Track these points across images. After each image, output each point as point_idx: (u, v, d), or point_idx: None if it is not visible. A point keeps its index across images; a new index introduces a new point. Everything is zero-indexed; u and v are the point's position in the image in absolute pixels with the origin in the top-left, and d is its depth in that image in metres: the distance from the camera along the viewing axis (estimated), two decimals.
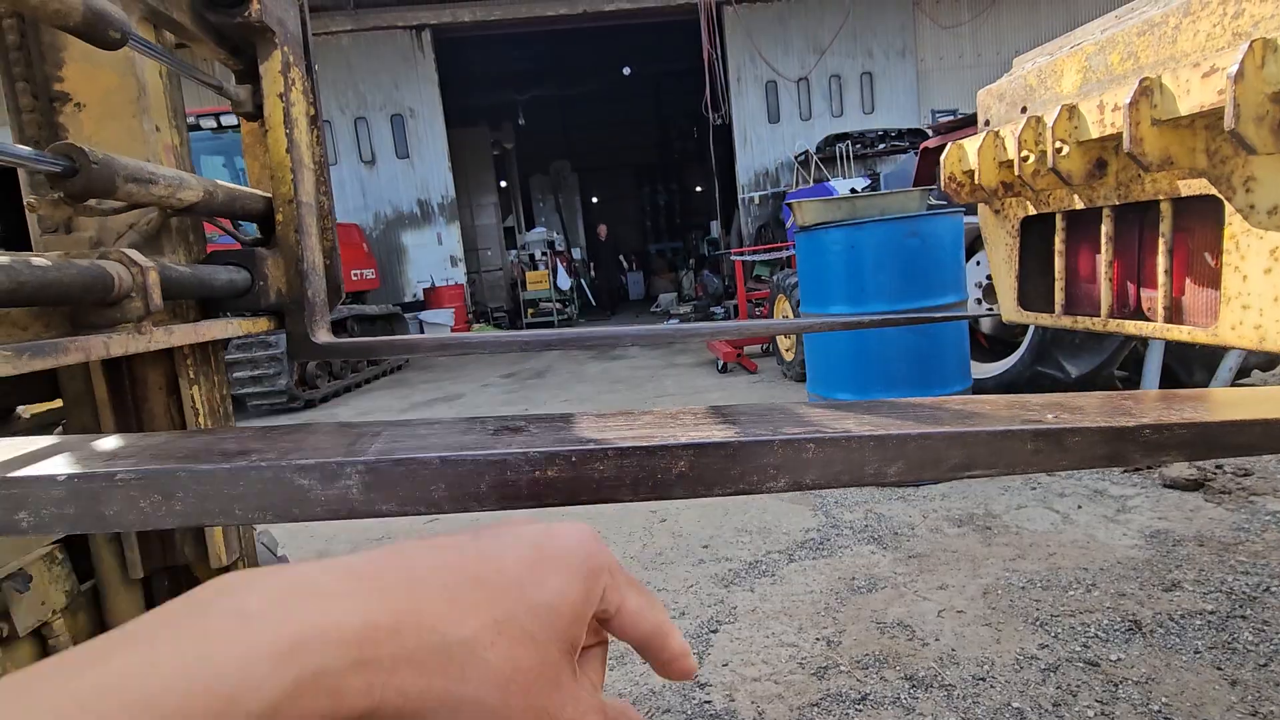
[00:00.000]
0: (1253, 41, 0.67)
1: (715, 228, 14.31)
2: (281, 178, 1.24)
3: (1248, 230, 0.82)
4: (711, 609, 1.84)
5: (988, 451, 0.47)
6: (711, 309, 9.21)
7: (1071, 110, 0.98)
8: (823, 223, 2.59)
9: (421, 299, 10.58)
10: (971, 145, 1.22)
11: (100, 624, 1.13)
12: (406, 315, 9.33)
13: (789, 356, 4.62)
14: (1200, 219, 0.92)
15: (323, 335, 1.29)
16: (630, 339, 1.42)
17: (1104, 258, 1.06)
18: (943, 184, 1.29)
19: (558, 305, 11.33)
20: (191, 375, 1.16)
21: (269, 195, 1.25)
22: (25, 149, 0.78)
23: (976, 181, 1.20)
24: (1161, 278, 0.96)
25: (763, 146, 10.23)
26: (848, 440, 0.47)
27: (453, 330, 9.86)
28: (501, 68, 13.64)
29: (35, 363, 0.72)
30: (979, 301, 3.16)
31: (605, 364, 6.75)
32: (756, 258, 6.55)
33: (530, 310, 11.44)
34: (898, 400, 0.57)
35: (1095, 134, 0.95)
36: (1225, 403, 0.62)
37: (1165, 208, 0.95)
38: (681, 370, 5.88)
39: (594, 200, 20.60)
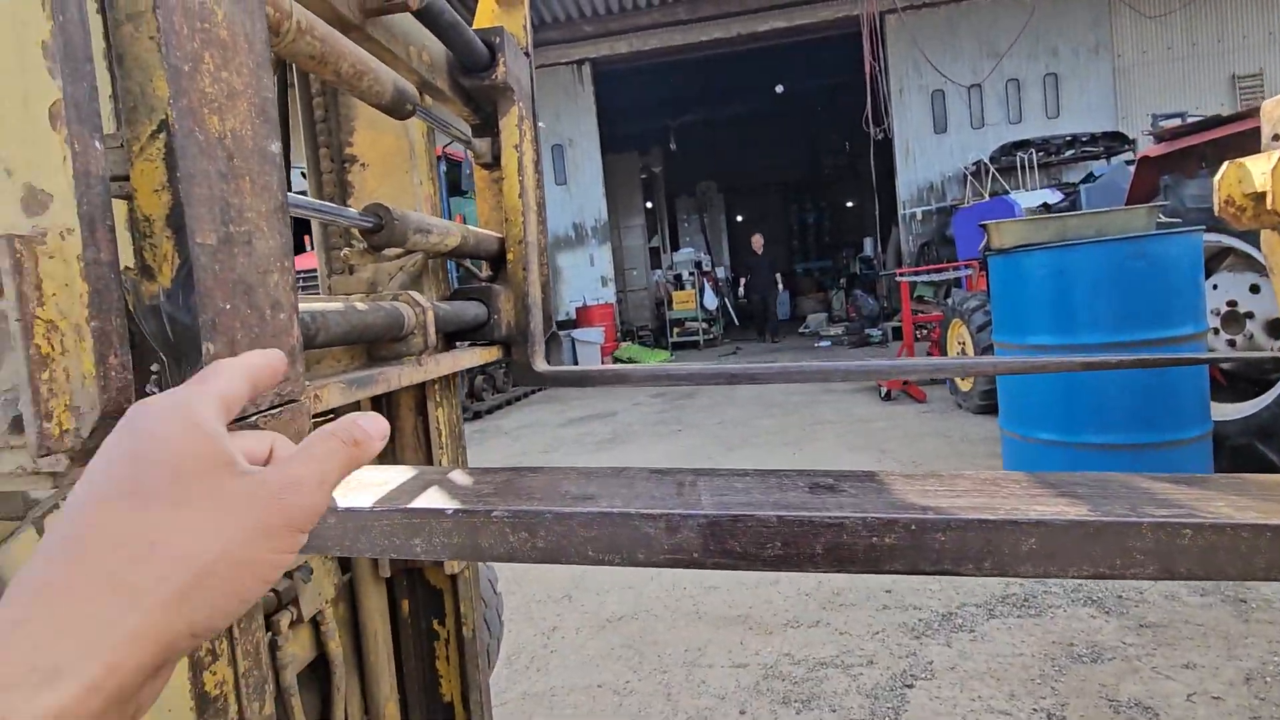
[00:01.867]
0: None
1: (870, 245, 13.68)
2: (514, 220, 1.36)
3: None
4: (903, 661, 1.72)
5: None
6: (866, 331, 8.78)
7: None
8: (1024, 245, 2.37)
9: (573, 318, 11.12)
10: (1259, 165, 1.05)
11: (355, 616, 1.28)
12: (561, 334, 9.86)
13: (966, 386, 4.27)
14: None
15: (540, 364, 1.39)
16: (841, 373, 1.38)
17: None
18: (1218, 208, 1.12)
19: (704, 325, 11.39)
20: (438, 399, 1.29)
21: (501, 236, 1.38)
22: (350, 210, 0.92)
23: (1269, 206, 1.03)
24: None
25: (927, 159, 9.63)
26: (1234, 529, 0.41)
27: (601, 348, 10.25)
28: (653, 94, 14.10)
29: (359, 392, 0.84)
30: (1216, 332, 2.71)
31: (756, 387, 6.64)
32: (923, 278, 6.15)
33: (676, 329, 11.60)
34: (1266, 476, 0.50)
35: None
36: None
37: None
38: (838, 396, 5.64)
39: (739, 219, 20.56)
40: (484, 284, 1.34)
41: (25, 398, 0.39)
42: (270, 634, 1.04)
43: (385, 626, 1.31)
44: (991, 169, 7.64)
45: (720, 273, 14.05)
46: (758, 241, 11.49)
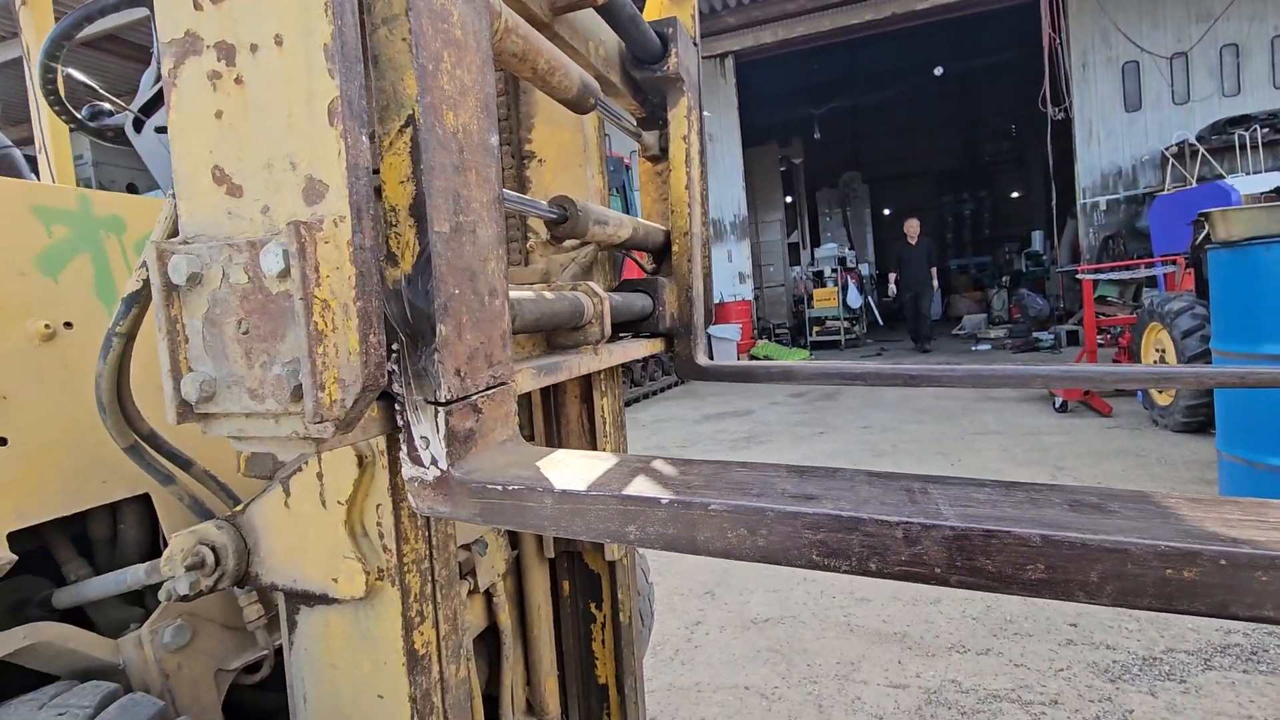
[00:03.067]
0: None
1: (1039, 239, 12.36)
2: (679, 212, 1.35)
3: None
4: (1096, 705, 1.52)
5: None
6: (1034, 334, 7.92)
7: None
8: (1262, 236, 2.00)
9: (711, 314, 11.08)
10: None
11: (521, 592, 1.34)
12: None
13: (1164, 400, 3.72)
14: None
15: (703, 357, 1.37)
16: (1042, 379, 1.24)
17: None
18: None
19: (845, 324, 10.89)
20: (603, 389, 1.32)
21: (665, 229, 1.38)
22: (540, 202, 0.95)
23: None
24: None
25: (1114, 141, 8.48)
26: None
27: (739, 345, 10.14)
28: (795, 83, 13.67)
29: (547, 379, 0.86)
30: None
31: (905, 390, 6.24)
32: (1113, 275, 5.44)
33: (816, 328, 11.20)
34: None
35: None
36: None
37: None
38: (1002, 404, 5.15)
39: (886, 212, 19.42)
40: (651, 276, 1.35)
41: (305, 369, 0.43)
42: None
43: (548, 604, 1.36)
44: (1201, 150, 6.57)
45: (864, 269, 13.35)
46: (912, 228, 9.69)
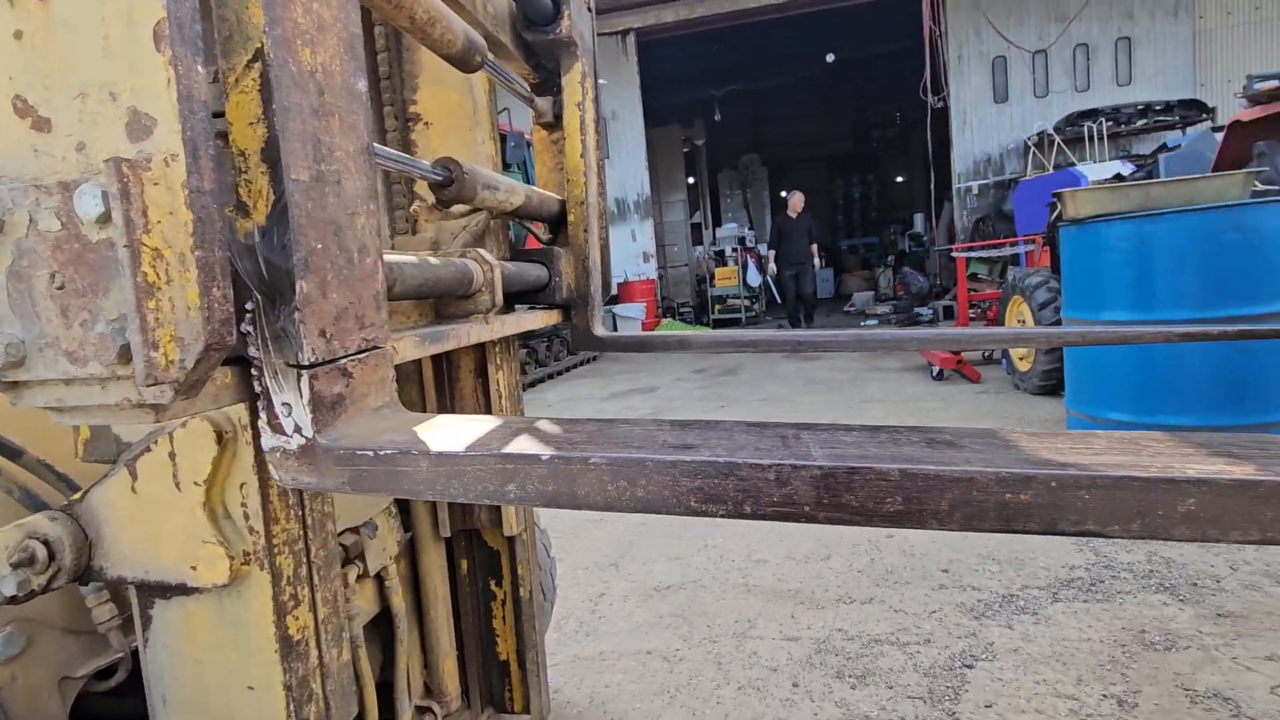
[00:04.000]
0: None
1: (920, 221, 13.24)
2: (575, 181, 1.33)
3: None
4: (962, 641, 1.68)
5: None
6: (916, 310, 8.53)
7: None
8: (1102, 215, 2.24)
9: (615, 294, 11.12)
10: None
11: (415, 574, 1.30)
12: (604, 309, 9.84)
13: (1024, 366, 4.11)
14: None
15: (600, 328, 1.37)
16: (917, 341, 1.33)
17: None
18: None
19: (745, 302, 11.24)
20: (498, 362, 1.28)
21: (561, 198, 1.35)
22: (423, 162, 0.90)
23: None
24: None
25: (985, 130, 9.21)
26: None
27: (643, 324, 10.23)
28: (697, 64, 13.80)
29: (432, 347, 0.83)
30: None
31: (800, 363, 6.55)
32: (982, 253, 5.92)
33: (718, 306, 11.49)
34: None
35: None
36: None
37: None
38: (886, 375, 5.51)
39: (783, 194, 20.12)
40: (546, 245, 1.32)
41: (133, 326, 0.39)
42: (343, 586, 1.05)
43: (445, 585, 1.32)
44: (1056, 140, 7.25)
45: (763, 249, 13.81)
46: (796, 201, 9.05)
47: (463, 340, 0.90)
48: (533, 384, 6.88)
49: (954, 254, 5.46)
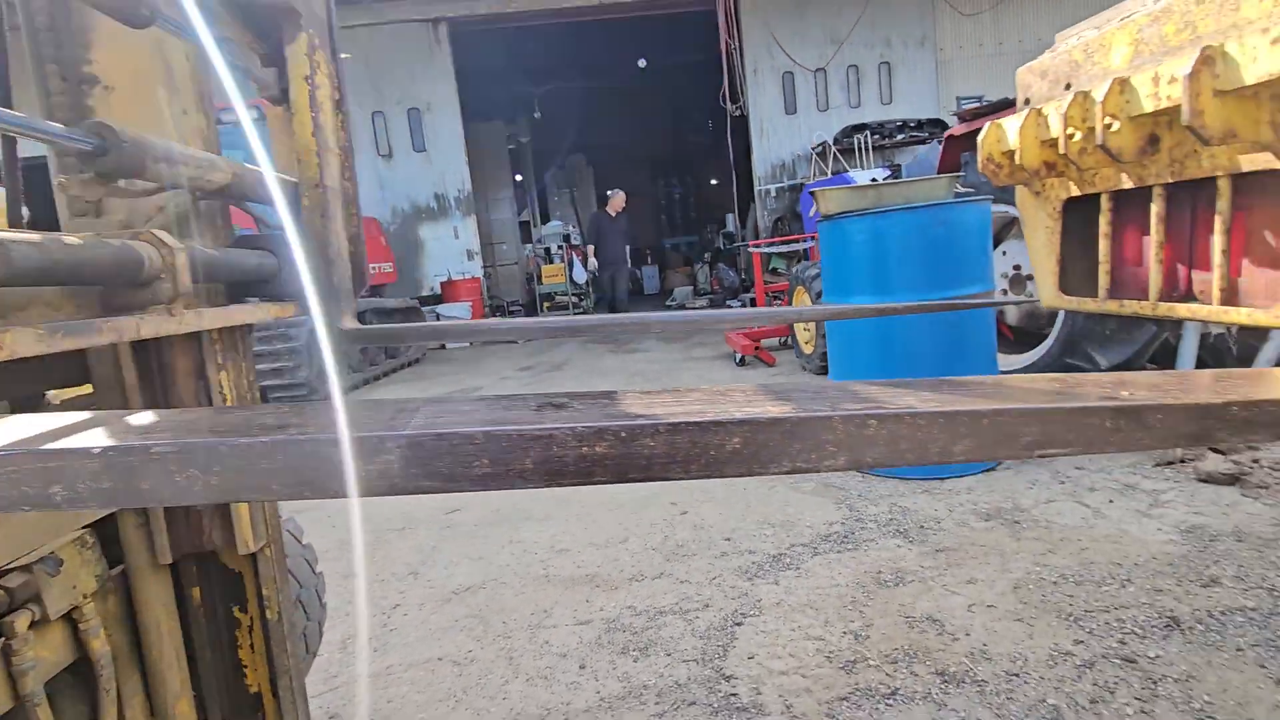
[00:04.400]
0: None
1: (731, 221, 14.22)
2: (307, 162, 1.23)
3: None
4: (735, 601, 1.82)
5: (1065, 429, 0.45)
6: (728, 302, 9.15)
7: (1123, 84, 0.94)
8: (847, 212, 2.55)
9: (438, 293, 10.63)
10: (1012, 124, 1.18)
11: (130, 609, 1.13)
12: (424, 309, 9.39)
13: (808, 350, 4.57)
14: (1262, 195, 0.88)
15: (348, 322, 1.28)
16: (658, 324, 1.40)
17: (1154, 239, 1.02)
18: (980, 165, 1.25)
19: (574, 299, 11.33)
20: (219, 360, 1.15)
21: (295, 180, 1.24)
22: (55, 126, 0.77)
23: (1017, 162, 1.16)
24: (1217, 258, 0.92)
25: (779, 138, 10.12)
26: (913, 417, 0.44)
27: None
28: (519, 61, 13.62)
29: (67, 341, 0.71)
30: (1005, 292, 3.09)
31: (623, 357, 6.73)
32: (774, 249, 6.49)
33: (547, 304, 11.46)
34: (958, 378, 0.54)
35: (1149, 108, 0.91)
36: None
37: (1223, 184, 0.91)
38: (699, 363, 5.85)
39: (609, 193, 20.55)
40: (273, 232, 1.21)
41: None
42: (2, 639, 0.89)
43: (172, 618, 1.16)
44: (834, 149, 8.17)
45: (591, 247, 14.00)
46: (617, 202, 8.94)
47: (124, 334, 0.78)
48: (344, 392, 6.36)
49: (750, 249, 5.92)
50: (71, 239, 0.75)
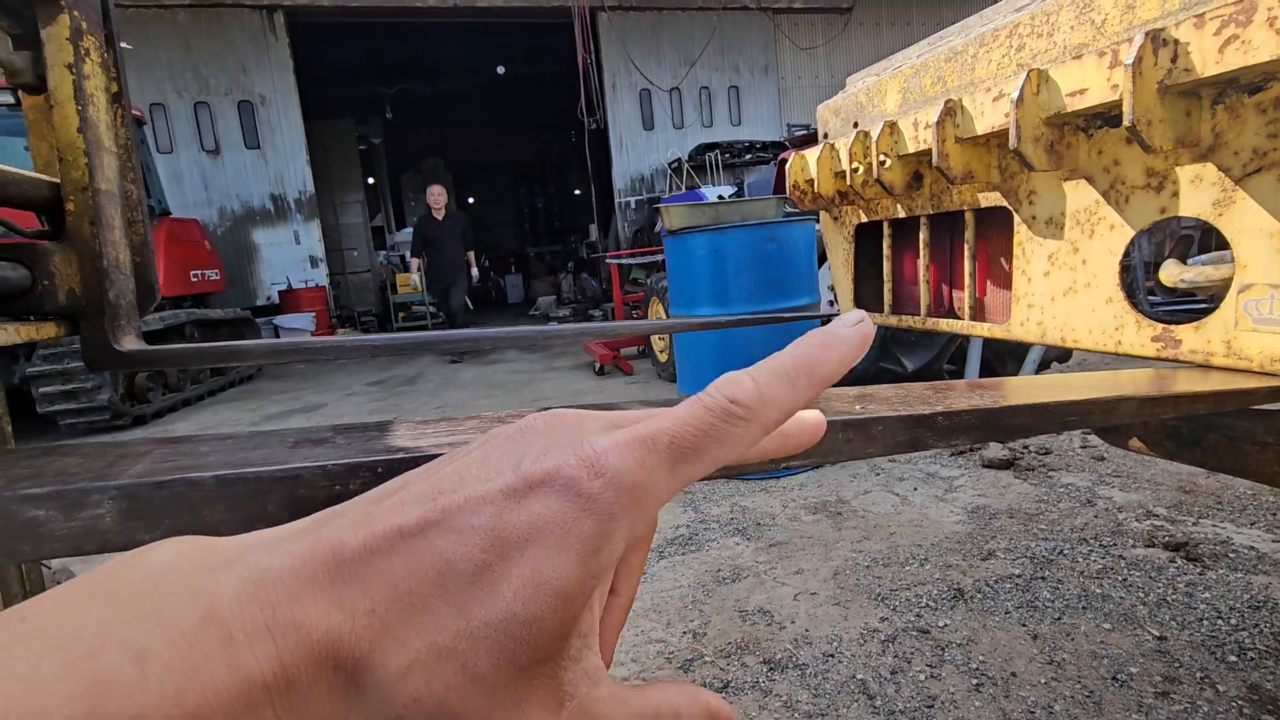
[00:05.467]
0: (1030, 71, 0.76)
1: (594, 231, 14.39)
2: (72, 161, 1.08)
3: (1031, 238, 0.93)
4: None
5: None
6: (590, 312, 9.24)
7: (892, 126, 1.07)
8: (689, 227, 2.67)
9: (277, 302, 9.75)
10: (811, 156, 1.30)
11: None
12: (260, 320, 8.56)
13: (663, 358, 4.73)
14: (996, 227, 1.04)
15: (129, 342, 1.14)
16: (503, 340, 1.38)
17: (922, 262, 1.17)
18: (788, 191, 1.36)
19: (430, 308, 10.86)
20: None
21: (57, 181, 1.09)
22: None
23: (816, 190, 1.28)
24: (967, 280, 1.08)
25: (638, 153, 10.43)
26: None
27: (313, 334, 9.18)
28: (369, 60, 12.90)
29: None
30: (831, 304, 3.40)
31: (481, 369, 6.56)
32: (632, 260, 6.66)
33: (401, 314, 10.88)
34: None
35: (912, 149, 1.04)
36: (1011, 390, 0.70)
37: (969, 217, 1.06)
38: (560, 374, 5.84)
39: (470, 200, 20.00)
40: (26, 241, 1.05)
41: None
42: None
43: None
44: (687, 166, 8.56)
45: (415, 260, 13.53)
46: (437, 197, 6.99)
47: None
48: (159, 414, 5.63)
49: (607, 260, 6.02)
50: None
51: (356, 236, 12.54)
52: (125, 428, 5.20)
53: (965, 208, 1.07)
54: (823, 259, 3.39)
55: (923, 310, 1.19)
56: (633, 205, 10.27)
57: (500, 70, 12.28)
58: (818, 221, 3.02)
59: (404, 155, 16.37)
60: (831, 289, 3.42)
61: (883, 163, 1.11)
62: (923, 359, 3.02)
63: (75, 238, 1.13)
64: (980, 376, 3.03)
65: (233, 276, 9.39)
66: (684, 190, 8.13)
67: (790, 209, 2.88)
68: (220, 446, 0.44)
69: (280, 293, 9.80)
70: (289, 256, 10.21)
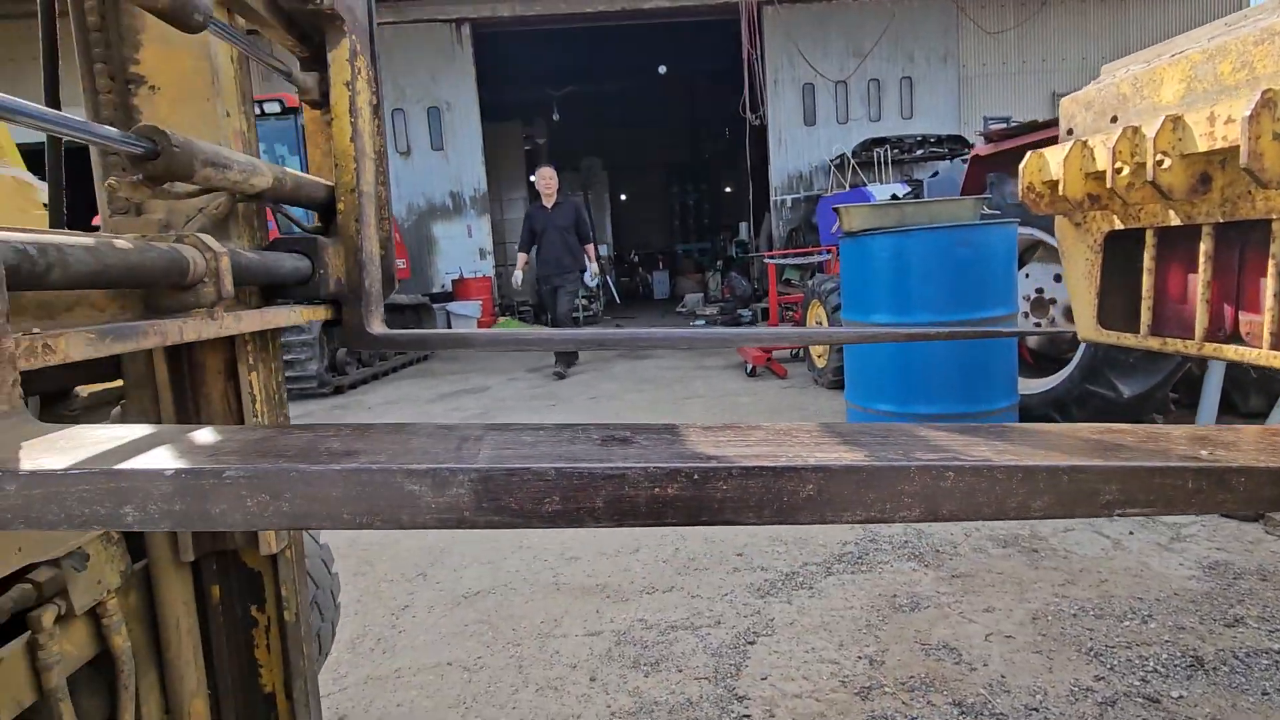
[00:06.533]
0: None
1: (745, 230, 14.21)
2: (345, 166, 1.23)
3: None
4: (748, 620, 1.80)
5: (1145, 489, 0.44)
6: (738, 311, 9.14)
7: (1176, 121, 0.93)
8: (870, 229, 2.54)
9: (450, 290, 10.66)
10: (1055, 155, 1.16)
11: (150, 606, 1.13)
12: (435, 305, 9.42)
13: (821, 363, 4.55)
14: None
15: (377, 326, 1.28)
16: (696, 340, 1.39)
17: (1201, 278, 1.01)
18: (1020, 194, 1.24)
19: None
20: (251, 361, 1.15)
21: (330, 184, 1.24)
22: (110, 129, 0.77)
23: (1060, 193, 1.15)
24: (1270, 302, 0.91)
25: (798, 149, 10.12)
26: (990, 470, 0.43)
27: (479, 322, 9.93)
28: (537, 63, 13.68)
29: (116, 345, 0.71)
30: (1026, 315, 3.07)
31: (632, 363, 6.72)
32: (789, 261, 6.48)
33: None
34: (1024, 425, 0.53)
35: (1202, 147, 0.90)
36: None
37: (1278, 227, 0.89)
38: (710, 372, 5.83)
39: (622, 198, 20.60)
40: (308, 235, 1.21)
41: None
42: (29, 633, 0.89)
43: (190, 616, 1.16)
44: (852, 162, 8.16)
45: (603, 249, 14.02)
46: (546, 179, 5.85)
47: (168, 337, 0.78)
48: (354, 385, 6.39)
49: (766, 260, 5.91)
50: (122, 242, 0.75)
51: (518, 231, 13.39)
52: (327, 396, 5.94)
53: (1274, 216, 0.90)
54: (1020, 264, 3.07)
55: (1198, 334, 1.02)
56: (788, 204, 10.00)
57: (662, 70, 12.47)
58: (1022, 225, 2.74)
59: (564, 154, 17.19)
60: (1028, 299, 3.09)
61: (1160, 163, 0.96)
62: (1143, 384, 2.64)
63: (343, 233, 1.28)
64: (1219, 409, 2.60)
65: (415, 265, 10.40)
66: (848, 189, 7.78)
67: (989, 211, 2.64)
68: (542, 437, 0.47)
69: (453, 281, 10.71)
70: (462, 248, 11.12)
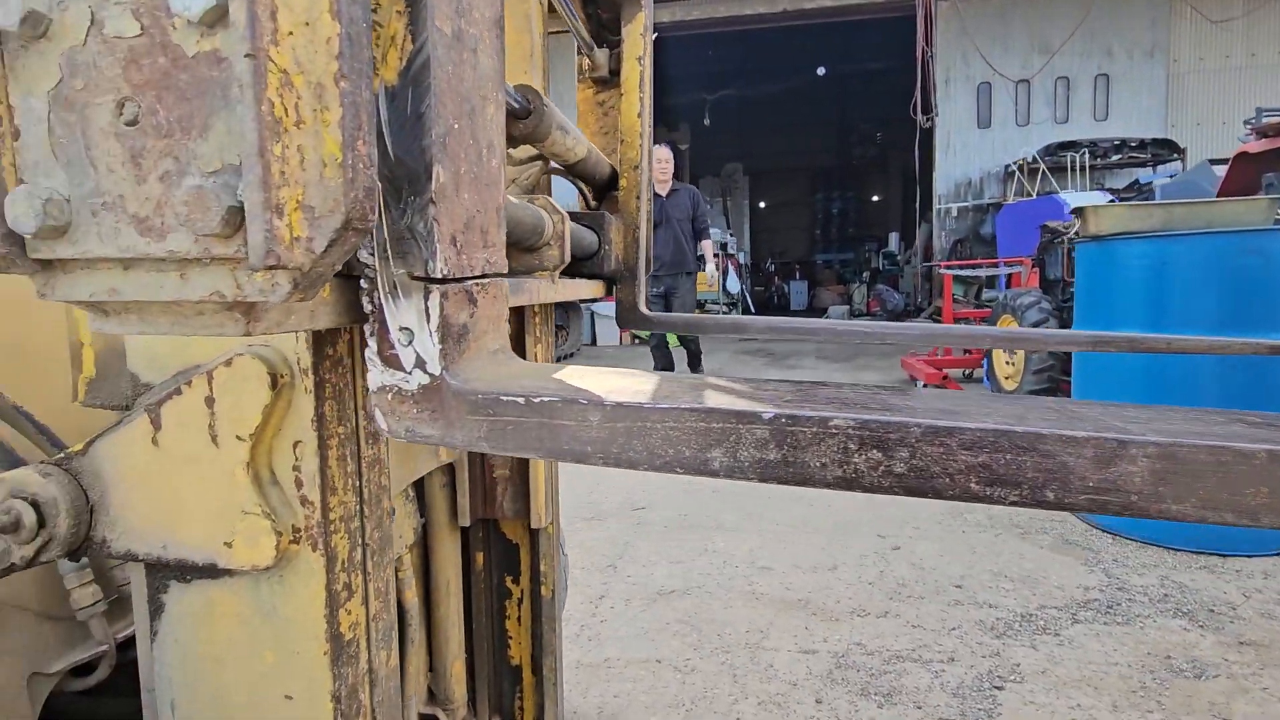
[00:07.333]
0: None
1: (894, 240, 13.46)
2: (630, 142, 1.21)
3: None
4: (987, 661, 1.61)
5: None
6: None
7: None
8: (1120, 233, 2.22)
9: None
10: None
11: (427, 565, 1.16)
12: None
13: (1009, 385, 4.13)
14: None
15: (645, 306, 1.25)
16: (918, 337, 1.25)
17: None
18: None
19: (724, 308, 11.23)
20: (538, 334, 1.16)
21: (612, 162, 1.23)
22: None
23: None
24: None
25: (967, 154, 9.38)
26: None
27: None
28: (689, 69, 13.79)
29: (512, 299, 0.70)
30: None
31: (783, 373, 6.53)
32: (960, 273, 5.99)
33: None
34: None
35: None
36: None
37: None
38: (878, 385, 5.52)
39: (762, 205, 20.26)
40: (597, 210, 1.20)
41: (250, 178, 0.26)
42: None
43: (458, 580, 1.19)
44: (1042, 166, 7.41)
45: (742, 257, 13.85)
46: (662, 163, 4.77)
47: (535, 297, 0.78)
48: None
49: (942, 269, 5.49)
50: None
51: None
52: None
53: None
54: None
55: None
56: (954, 212, 9.29)
57: (821, 71, 12.12)
58: None
59: (706, 159, 17.19)
60: None
61: None
62: None
63: (624, 209, 1.25)
64: None
65: None
66: (1034, 196, 7.08)
67: None
68: (1195, 417, 0.37)
69: None
70: None
